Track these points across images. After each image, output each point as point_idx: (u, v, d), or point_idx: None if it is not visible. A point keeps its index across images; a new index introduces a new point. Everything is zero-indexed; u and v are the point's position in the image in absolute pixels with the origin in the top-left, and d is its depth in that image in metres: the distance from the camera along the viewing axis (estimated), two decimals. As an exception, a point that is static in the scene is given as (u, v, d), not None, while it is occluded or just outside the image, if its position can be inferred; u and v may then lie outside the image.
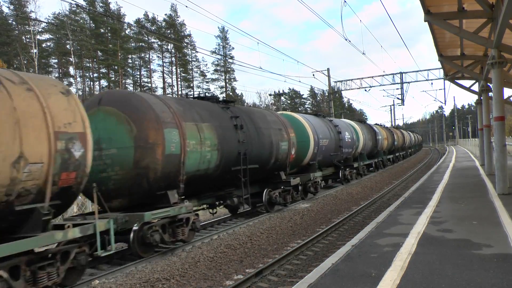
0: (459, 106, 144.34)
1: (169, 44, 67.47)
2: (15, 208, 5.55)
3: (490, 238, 6.56)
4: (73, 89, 46.44)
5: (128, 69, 67.29)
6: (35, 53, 42.71)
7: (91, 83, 62.23)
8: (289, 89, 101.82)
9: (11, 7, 52.35)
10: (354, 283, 4.85)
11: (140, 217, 7.88)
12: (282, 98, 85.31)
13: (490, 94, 16.67)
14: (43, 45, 56.09)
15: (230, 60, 73.55)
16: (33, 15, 48.80)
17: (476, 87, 20.80)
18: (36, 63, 40.89)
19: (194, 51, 72.06)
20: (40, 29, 53.99)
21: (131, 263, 7.95)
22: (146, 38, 67.28)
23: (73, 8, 55.80)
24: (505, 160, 11.38)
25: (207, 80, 77.45)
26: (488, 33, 11.75)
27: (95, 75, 61.34)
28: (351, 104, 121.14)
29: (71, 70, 58.54)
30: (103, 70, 62.83)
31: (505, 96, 16.87)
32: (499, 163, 11.28)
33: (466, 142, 63.38)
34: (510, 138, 44.41)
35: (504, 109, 11.64)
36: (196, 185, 9.84)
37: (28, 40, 48.90)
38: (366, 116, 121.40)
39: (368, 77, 37.96)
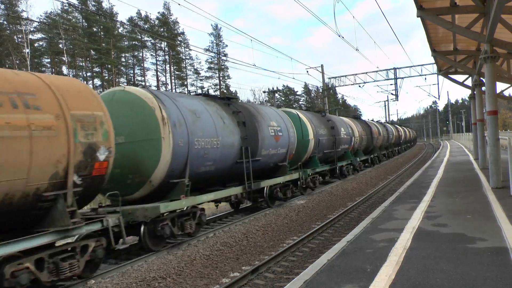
0: (452, 101, 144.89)
1: (163, 42, 67.14)
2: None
3: (484, 232, 6.60)
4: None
5: (122, 67, 66.88)
6: (28, 52, 42.30)
7: (85, 82, 61.70)
8: (283, 86, 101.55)
9: (2, 6, 51.76)
10: (350, 279, 4.86)
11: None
12: (276, 95, 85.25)
13: (483, 88, 16.76)
14: (36, 44, 55.45)
15: (223, 58, 73.32)
16: (24, 15, 48.29)
17: (469, 82, 20.90)
18: (28, 62, 40.54)
19: (187, 49, 71.77)
20: (32, 29, 53.43)
21: (127, 262, 7.93)
22: (139, 37, 66.87)
23: (65, 7, 55.35)
24: (499, 154, 11.43)
25: (201, 78, 77.25)
26: (481, 27, 11.79)
27: (89, 74, 60.90)
28: (346, 100, 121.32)
29: (64, 70, 57.88)
30: (97, 69, 62.33)
31: (498, 90, 16.90)
32: (493, 157, 11.34)
33: (460, 136, 63.67)
34: (503, 132, 44.66)
35: (497, 103, 11.69)
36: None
37: (20, 39, 48.37)
38: (360, 112, 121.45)
39: (362, 73, 38.09)
